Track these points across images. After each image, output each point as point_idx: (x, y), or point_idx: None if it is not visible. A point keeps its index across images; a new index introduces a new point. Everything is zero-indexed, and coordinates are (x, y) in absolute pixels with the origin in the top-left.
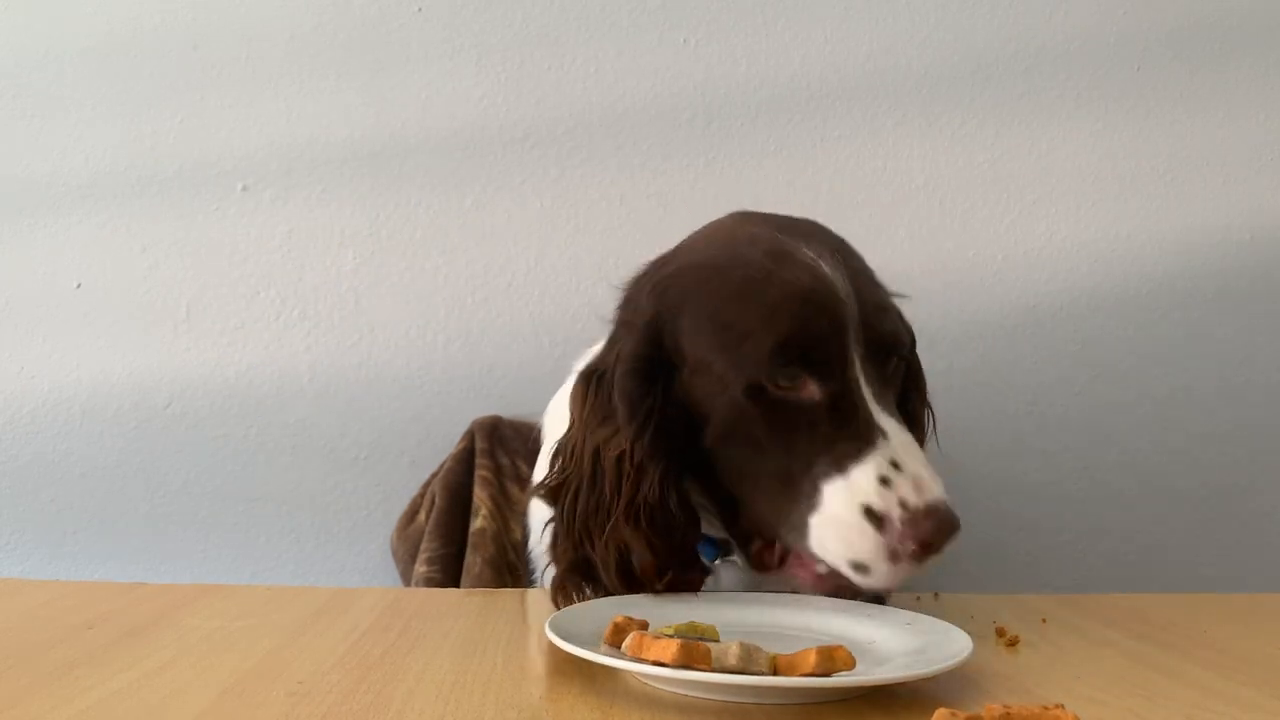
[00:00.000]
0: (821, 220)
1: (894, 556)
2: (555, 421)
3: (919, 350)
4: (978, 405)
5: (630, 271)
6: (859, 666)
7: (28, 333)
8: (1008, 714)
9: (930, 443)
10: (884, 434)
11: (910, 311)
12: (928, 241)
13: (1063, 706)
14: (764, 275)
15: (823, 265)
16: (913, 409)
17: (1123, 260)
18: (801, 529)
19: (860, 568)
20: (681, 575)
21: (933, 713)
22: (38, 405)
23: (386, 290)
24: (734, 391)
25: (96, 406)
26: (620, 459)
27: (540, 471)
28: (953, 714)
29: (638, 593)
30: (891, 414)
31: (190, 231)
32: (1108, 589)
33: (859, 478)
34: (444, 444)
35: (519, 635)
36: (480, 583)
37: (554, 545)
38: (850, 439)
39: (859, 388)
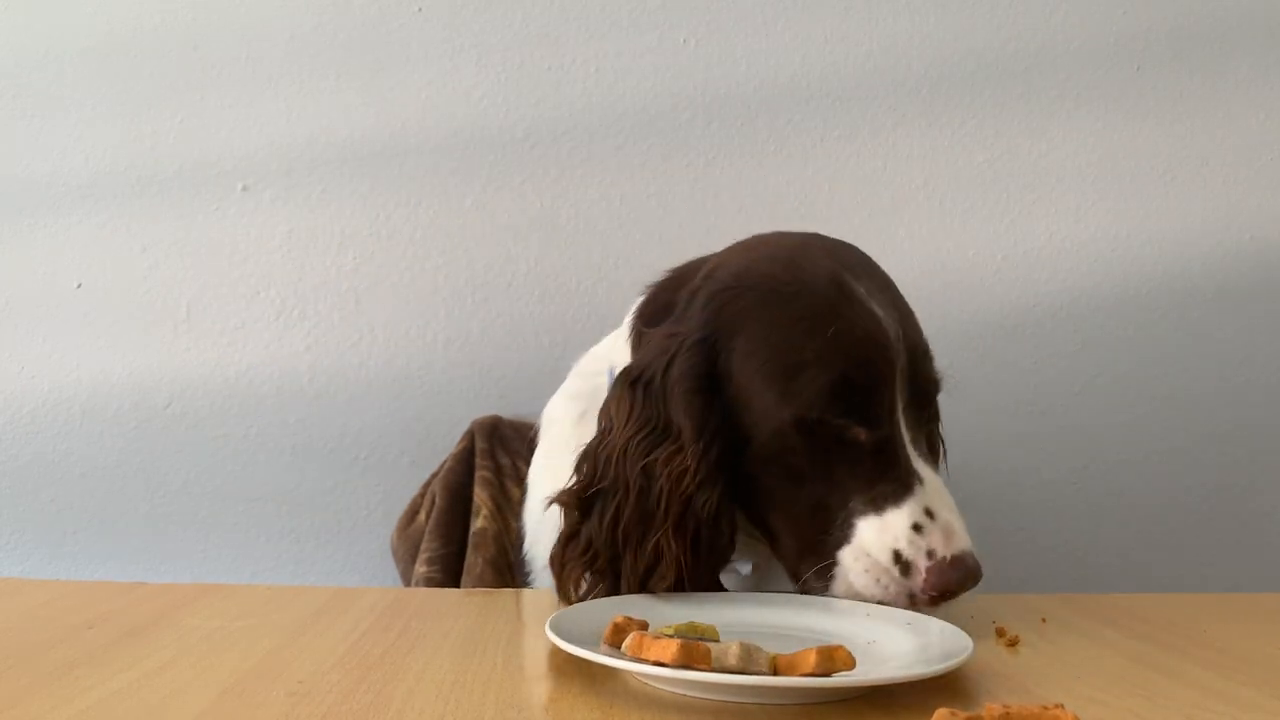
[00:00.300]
0: (822, 220)
1: (912, 600)
2: (552, 423)
3: None
4: (978, 405)
5: (638, 271)
6: (859, 666)
7: (28, 333)
8: (1008, 714)
9: (941, 468)
10: (920, 480)
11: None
12: (928, 241)
13: (1063, 706)
14: (827, 309)
15: (876, 307)
16: (931, 439)
17: (1122, 260)
18: (830, 561)
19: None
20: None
21: (933, 713)
22: (38, 405)
23: (386, 290)
24: (782, 420)
25: (96, 406)
26: (682, 476)
27: (539, 473)
28: (953, 714)
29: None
30: (926, 458)
31: (190, 231)
32: (1108, 589)
33: (894, 521)
34: (444, 444)
35: (519, 635)
36: (482, 583)
37: (584, 552)
38: (890, 482)
39: (900, 432)
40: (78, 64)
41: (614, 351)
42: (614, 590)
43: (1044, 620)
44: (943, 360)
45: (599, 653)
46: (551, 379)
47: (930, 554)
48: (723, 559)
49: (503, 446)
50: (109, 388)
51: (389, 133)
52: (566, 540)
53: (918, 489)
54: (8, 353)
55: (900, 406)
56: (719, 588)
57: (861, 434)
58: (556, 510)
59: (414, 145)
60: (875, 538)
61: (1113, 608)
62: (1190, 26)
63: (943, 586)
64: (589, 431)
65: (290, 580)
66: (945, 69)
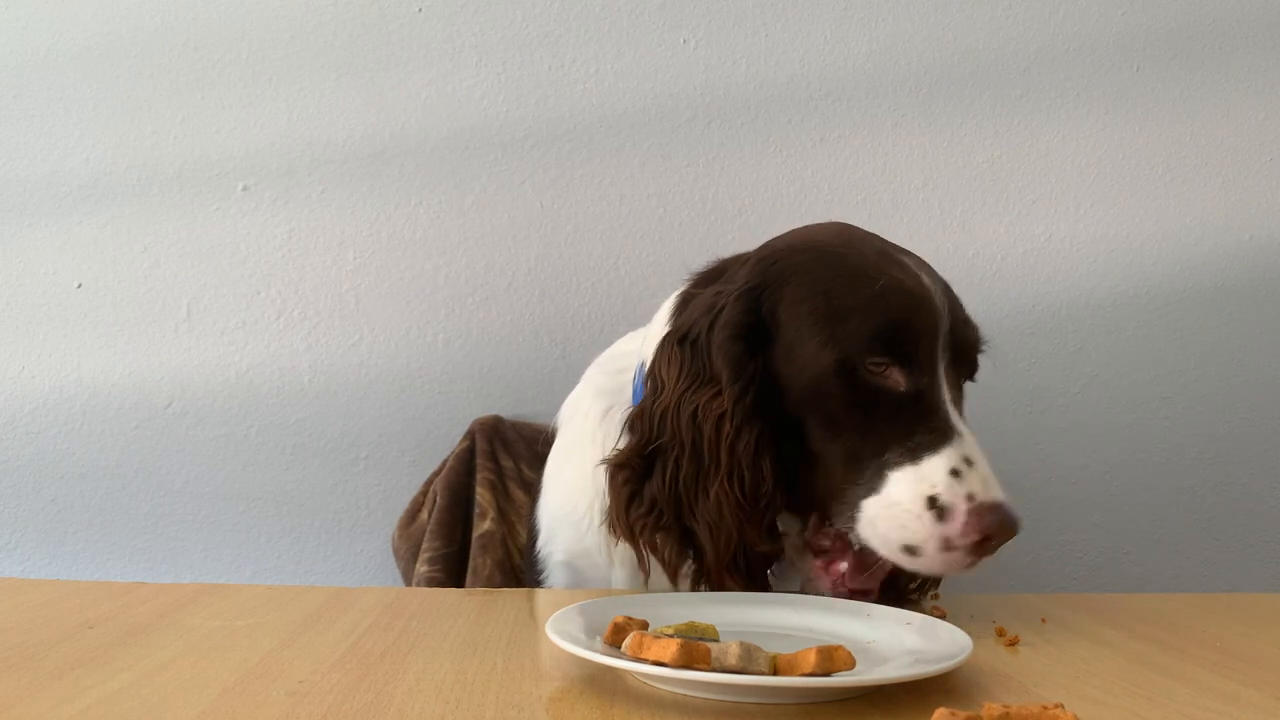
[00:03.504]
0: (820, 220)
1: (948, 545)
2: (574, 418)
3: None
4: (978, 405)
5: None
6: (859, 666)
7: (28, 333)
8: (1007, 714)
9: None
10: (958, 435)
11: None
12: (927, 241)
13: (1062, 706)
14: (875, 266)
15: (922, 274)
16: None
17: (1122, 260)
18: (853, 510)
19: (911, 550)
20: (758, 546)
21: (933, 713)
22: (38, 405)
23: (386, 290)
24: (824, 365)
25: (96, 406)
26: (721, 420)
27: (557, 469)
28: (953, 714)
29: (733, 566)
30: (963, 420)
31: (191, 232)
32: (1108, 589)
33: (930, 468)
34: (444, 444)
35: (519, 635)
36: (490, 585)
37: (648, 511)
38: (928, 432)
39: (940, 389)
40: (78, 64)
41: (645, 346)
42: (686, 547)
43: (1044, 620)
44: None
45: (599, 653)
46: (552, 379)
47: (970, 497)
48: (771, 508)
49: (505, 448)
50: (109, 388)
51: (389, 133)
52: (628, 503)
53: (956, 439)
54: (8, 353)
55: (941, 365)
56: (778, 540)
57: (902, 382)
58: (571, 508)
59: (414, 145)
60: (907, 488)
61: (1113, 608)
62: (1190, 26)
63: (983, 530)
64: (616, 427)
65: (290, 580)
66: (945, 69)
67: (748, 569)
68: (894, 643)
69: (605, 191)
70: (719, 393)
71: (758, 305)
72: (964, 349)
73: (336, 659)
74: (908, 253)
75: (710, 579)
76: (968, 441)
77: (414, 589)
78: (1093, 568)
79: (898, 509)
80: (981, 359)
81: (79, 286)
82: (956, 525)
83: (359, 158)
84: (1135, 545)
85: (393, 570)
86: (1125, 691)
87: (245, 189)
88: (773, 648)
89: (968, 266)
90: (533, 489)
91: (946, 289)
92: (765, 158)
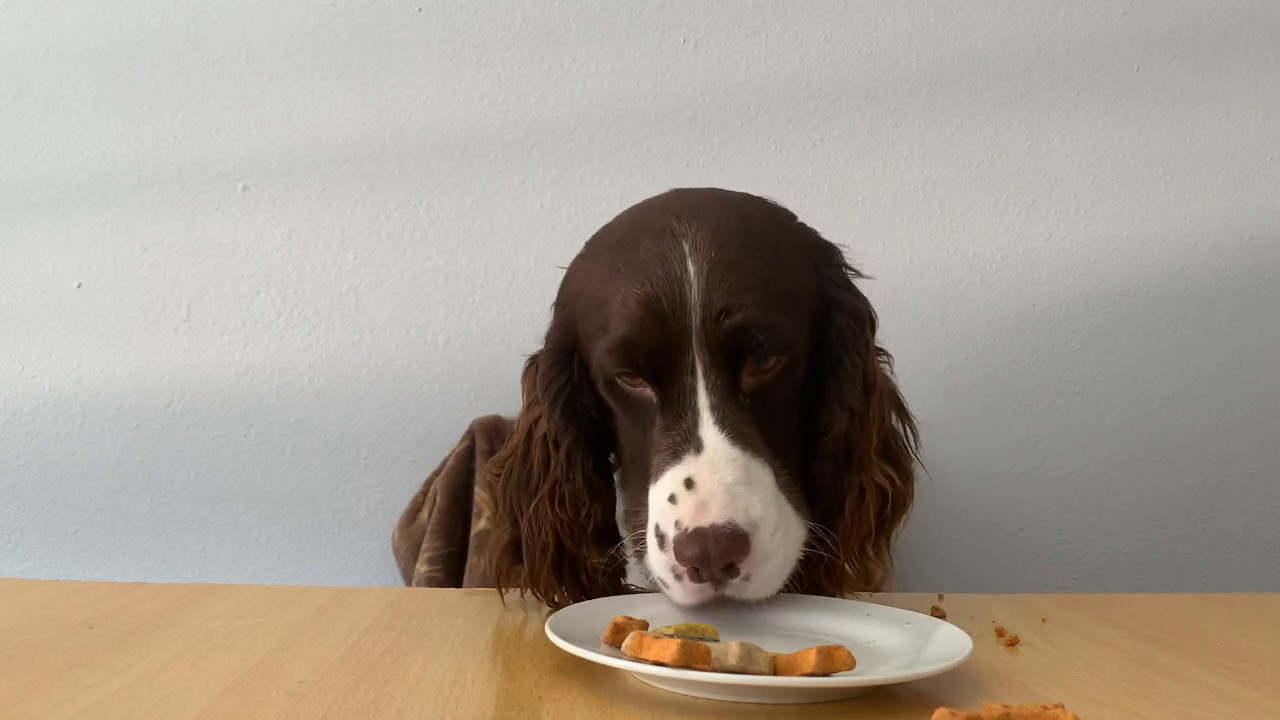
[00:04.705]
0: (822, 221)
1: (677, 575)
2: None
3: (917, 349)
4: (978, 405)
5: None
6: (859, 666)
7: (28, 333)
8: (1007, 713)
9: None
10: (699, 447)
11: (910, 311)
12: (928, 241)
13: (1062, 706)
14: (630, 269)
15: (675, 265)
16: (853, 408)
17: (1122, 260)
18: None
19: (664, 583)
20: (589, 559)
21: (933, 713)
22: (38, 405)
23: (386, 290)
24: (598, 380)
25: (96, 406)
26: (545, 436)
27: None
28: (952, 714)
29: (556, 577)
30: (735, 420)
31: (191, 231)
32: (1108, 589)
33: (658, 491)
34: (444, 444)
35: (519, 635)
36: (485, 584)
37: (494, 528)
38: (668, 450)
39: (692, 394)
40: (78, 64)
41: None
42: (518, 558)
43: (1044, 620)
44: (942, 360)
45: (599, 653)
46: None
47: (678, 524)
48: (590, 520)
49: None
50: (109, 388)
51: (389, 133)
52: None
53: (687, 458)
54: (8, 353)
55: (699, 366)
56: (600, 557)
57: (652, 394)
58: None
59: (414, 145)
60: (652, 513)
61: (1113, 608)
62: (1190, 26)
63: (686, 560)
64: None
65: (290, 580)
66: (945, 69)
67: (585, 579)
68: (894, 643)
69: (605, 191)
70: (537, 404)
71: (571, 320)
72: (725, 341)
73: (336, 659)
74: (698, 216)
75: (533, 588)
76: (705, 456)
77: (414, 589)
78: (1093, 568)
79: (650, 536)
80: (980, 360)
81: (79, 286)
82: (672, 555)
83: (359, 158)
84: (1135, 545)
85: (393, 570)
86: (1125, 691)
87: (245, 189)
88: (773, 648)
89: (968, 266)
90: None
91: (724, 273)
92: (765, 158)
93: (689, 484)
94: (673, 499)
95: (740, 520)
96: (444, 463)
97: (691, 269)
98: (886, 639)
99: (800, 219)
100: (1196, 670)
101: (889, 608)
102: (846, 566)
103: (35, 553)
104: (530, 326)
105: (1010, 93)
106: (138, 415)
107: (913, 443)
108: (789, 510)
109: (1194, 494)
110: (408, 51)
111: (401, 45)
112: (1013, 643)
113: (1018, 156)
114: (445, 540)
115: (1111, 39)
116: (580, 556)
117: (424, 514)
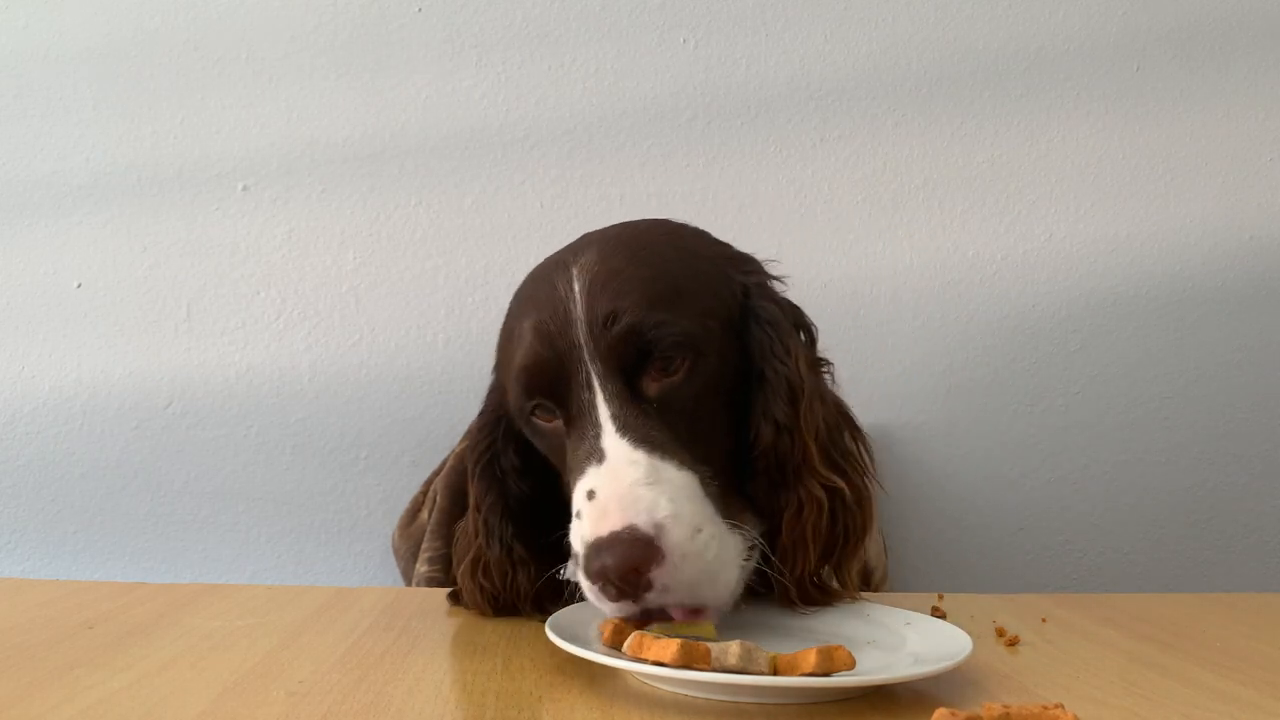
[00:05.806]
0: (822, 221)
1: (599, 595)
2: None
3: (917, 349)
4: (978, 405)
5: None
6: (859, 666)
7: (28, 333)
8: (1007, 713)
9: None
10: (600, 458)
11: (910, 311)
12: (928, 241)
13: (1062, 706)
14: (530, 305)
15: (561, 288)
16: (779, 419)
17: (1122, 260)
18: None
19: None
20: (524, 586)
21: (933, 713)
22: (38, 405)
23: (386, 290)
24: (524, 427)
25: (96, 406)
26: (475, 503)
27: None
28: (952, 714)
29: (493, 603)
30: (639, 426)
31: (191, 231)
32: (1108, 589)
33: (573, 515)
34: (444, 444)
35: (519, 635)
36: None
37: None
38: (576, 468)
39: (591, 409)
40: (78, 64)
41: None
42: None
43: (1044, 620)
44: (942, 360)
45: (599, 653)
46: None
47: (583, 540)
48: (517, 578)
49: None
50: (109, 388)
51: (389, 133)
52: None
53: (590, 471)
54: (8, 353)
55: (597, 379)
56: (531, 584)
57: (559, 420)
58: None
59: (414, 145)
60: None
61: (1113, 608)
62: (1190, 26)
63: (590, 575)
64: None
65: (290, 580)
66: (945, 69)
67: (516, 602)
68: (894, 643)
69: (605, 191)
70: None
71: (498, 379)
72: (615, 346)
73: (336, 659)
74: (597, 244)
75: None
76: (605, 467)
77: (414, 589)
78: (1093, 568)
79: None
80: (980, 360)
81: (79, 286)
82: (583, 575)
83: (359, 158)
84: (1135, 545)
85: (393, 570)
86: (1125, 691)
87: (245, 189)
88: (773, 648)
89: (968, 266)
90: None
91: (605, 283)
92: (765, 158)
93: (590, 495)
94: (578, 515)
95: (641, 522)
96: (444, 463)
97: (576, 287)
98: (886, 639)
99: (801, 219)
100: (1196, 670)
101: (889, 608)
102: (794, 591)
103: (35, 553)
104: None
105: (1010, 93)
106: (138, 415)
107: (866, 457)
108: (717, 515)
109: (1194, 494)
110: (408, 51)
111: (401, 45)
112: (1013, 643)
113: (1018, 156)
114: (445, 540)
115: (1111, 39)
116: (516, 583)
117: (424, 514)
